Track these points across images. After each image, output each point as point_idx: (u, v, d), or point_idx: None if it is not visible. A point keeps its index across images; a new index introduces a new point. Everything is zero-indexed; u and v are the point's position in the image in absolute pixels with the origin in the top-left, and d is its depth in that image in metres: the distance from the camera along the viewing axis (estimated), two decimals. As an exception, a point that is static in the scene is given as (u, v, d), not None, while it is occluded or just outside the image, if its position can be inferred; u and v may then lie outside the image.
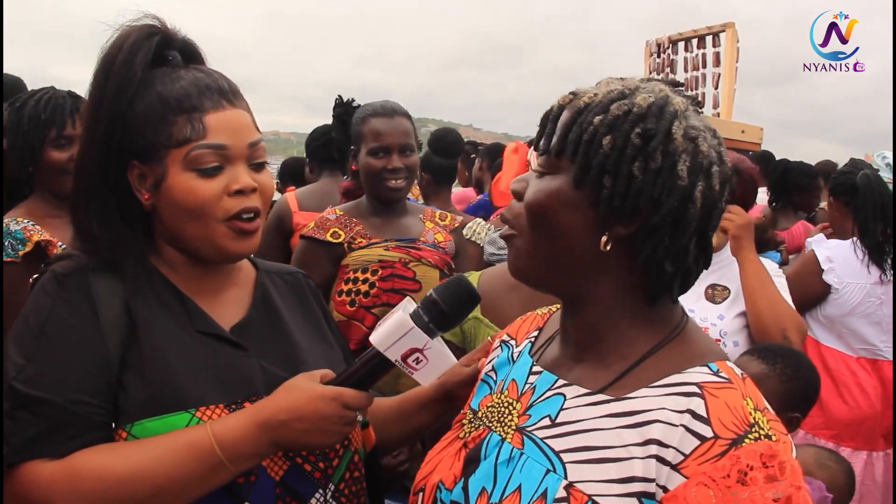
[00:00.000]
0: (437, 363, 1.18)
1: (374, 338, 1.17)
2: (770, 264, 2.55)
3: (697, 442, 0.89)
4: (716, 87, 5.55)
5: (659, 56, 5.87)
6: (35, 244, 2.23)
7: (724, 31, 5.59)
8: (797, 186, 4.75)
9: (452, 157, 4.42)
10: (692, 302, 2.33)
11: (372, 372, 1.20)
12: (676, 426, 0.91)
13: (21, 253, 2.21)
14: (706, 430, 0.90)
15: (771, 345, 2.20)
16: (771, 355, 2.07)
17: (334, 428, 1.17)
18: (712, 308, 2.46)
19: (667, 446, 0.91)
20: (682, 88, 1.12)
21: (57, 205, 2.36)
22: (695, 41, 5.79)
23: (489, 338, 1.40)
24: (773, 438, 0.90)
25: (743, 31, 5.61)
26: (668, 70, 5.86)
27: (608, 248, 0.99)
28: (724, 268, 2.53)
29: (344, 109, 3.24)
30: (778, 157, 5.25)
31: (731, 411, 0.91)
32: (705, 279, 2.49)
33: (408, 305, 1.19)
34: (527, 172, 1.08)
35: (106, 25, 1.25)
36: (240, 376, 1.25)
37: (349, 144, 2.70)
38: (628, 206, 0.96)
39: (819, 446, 2.65)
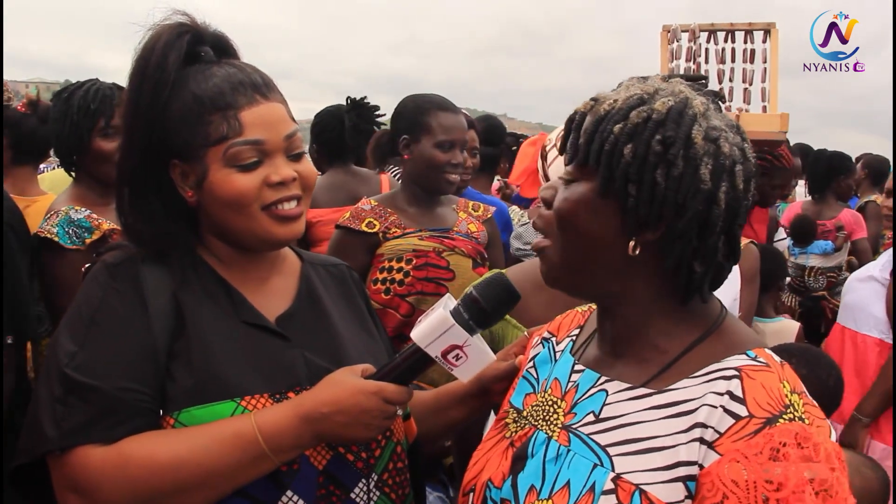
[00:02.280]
0: (476, 360, 1.19)
1: (414, 334, 1.18)
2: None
3: (733, 420, 0.91)
4: (750, 83, 5.51)
5: (694, 42, 5.78)
6: (103, 233, 2.27)
7: (767, 29, 5.53)
8: (837, 173, 4.71)
9: (496, 145, 4.41)
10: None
11: (412, 367, 1.21)
12: (717, 407, 0.93)
13: (88, 241, 2.25)
14: (741, 410, 0.91)
15: (786, 344, 2.18)
16: (786, 355, 2.04)
17: (375, 422, 1.19)
18: None
19: (707, 427, 0.93)
20: (705, 82, 1.11)
21: (101, 192, 2.41)
22: (740, 35, 5.71)
23: (525, 333, 1.41)
24: (807, 421, 0.91)
25: (778, 19, 5.56)
26: (699, 60, 5.77)
27: (636, 252, 1.00)
28: None
29: (357, 112, 3.26)
30: (814, 148, 5.22)
31: (766, 392, 0.93)
32: None
33: (448, 302, 1.20)
34: (555, 179, 1.10)
35: (139, 24, 1.26)
36: (283, 366, 1.26)
37: (364, 141, 2.71)
38: (653, 212, 0.98)
39: (855, 451, 2.61)
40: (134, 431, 1.16)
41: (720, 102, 1.08)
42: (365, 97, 3.50)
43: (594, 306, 1.22)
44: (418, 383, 1.65)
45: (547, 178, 1.96)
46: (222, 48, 1.34)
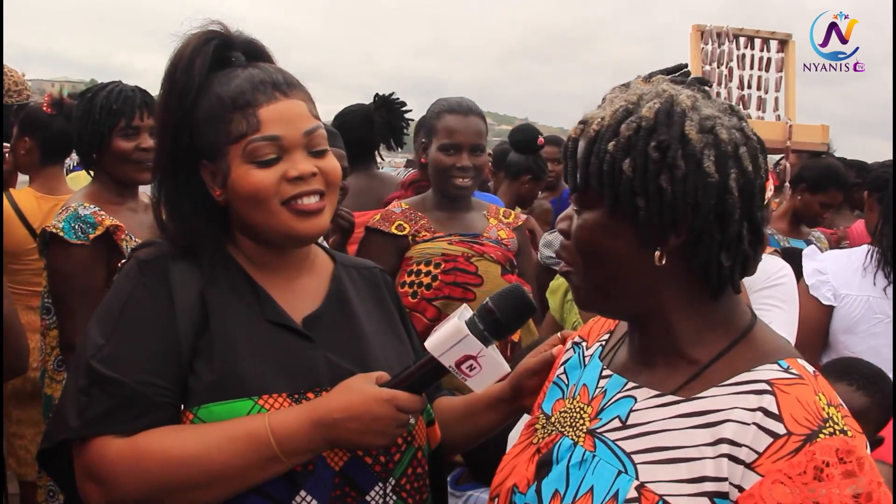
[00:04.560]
0: (490, 371, 1.19)
1: (429, 343, 1.18)
2: (769, 265, 2.23)
3: (770, 439, 0.89)
4: (765, 92, 5.49)
5: (719, 46, 5.71)
6: (105, 228, 2.34)
7: (786, 40, 5.50)
8: (850, 183, 4.52)
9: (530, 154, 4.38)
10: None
11: (426, 376, 1.21)
12: (748, 424, 0.91)
13: (91, 236, 2.32)
14: (779, 427, 0.89)
15: (843, 359, 2.12)
16: (843, 375, 1.99)
17: (387, 429, 1.19)
18: None
19: (739, 445, 0.90)
20: (688, 72, 1.10)
21: (117, 191, 2.50)
22: (758, 41, 5.67)
23: (558, 333, 1.40)
24: (849, 434, 0.89)
25: (808, 27, 5.51)
26: (729, 65, 5.71)
27: (663, 262, 0.99)
28: None
29: (387, 108, 3.23)
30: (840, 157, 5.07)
31: (803, 407, 0.90)
32: None
33: (464, 312, 1.20)
34: (569, 209, 1.09)
35: (173, 34, 1.30)
36: (304, 367, 1.27)
37: (396, 139, 2.70)
38: (667, 219, 0.96)
39: (888, 464, 2.52)
40: (152, 425, 1.18)
41: (706, 88, 1.06)
42: (393, 93, 3.47)
43: None
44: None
45: None
46: (254, 53, 1.36)
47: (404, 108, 3.42)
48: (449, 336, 1.17)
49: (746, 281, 2.02)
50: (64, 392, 1.24)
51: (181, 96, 1.27)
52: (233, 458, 1.16)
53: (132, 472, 1.15)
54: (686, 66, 1.13)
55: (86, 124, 2.45)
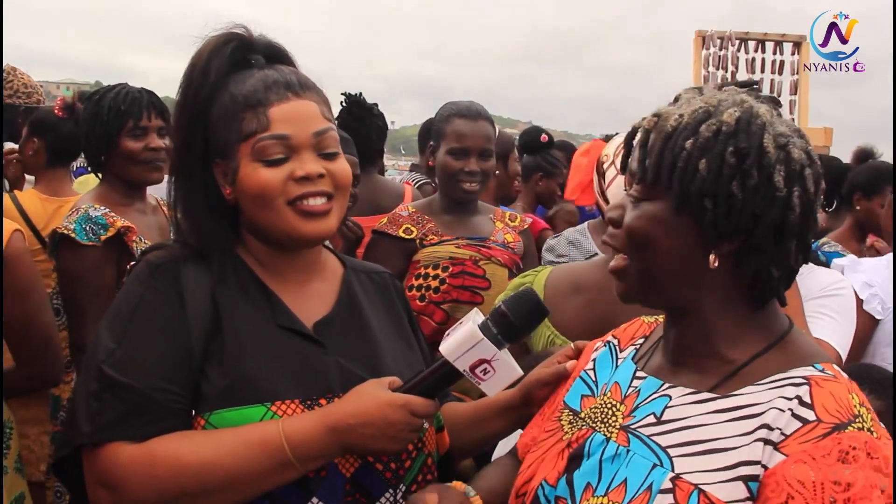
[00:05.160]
0: (504, 375, 1.19)
1: (443, 348, 1.18)
2: (827, 276, 2.23)
3: (800, 424, 0.92)
4: (778, 94, 5.46)
5: (720, 49, 5.71)
6: (117, 230, 2.33)
7: (800, 42, 5.48)
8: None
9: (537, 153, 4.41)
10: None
11: (440, 381, 1.21)
12: (785, 411, 0.94)
13: (103, 238, 2.31)
14: (809, 414, 0.92)
15: (857, 365, 2.09)
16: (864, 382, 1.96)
17: (401, 435, 1.19)
18: None
19: (773, 429, 0.93)
20: (758, 88, 1.11)
21: (126, 192, 2.49)
22: (770, 45, 5.66)
23: (572, 345, 1.40)
24: (876, 435, 0.91)
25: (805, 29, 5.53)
26: (732, 69, 5.70)
27: (717, 265, 1.01)
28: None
29: (370, 111, 3.22)
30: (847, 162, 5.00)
31: (835, 401, 0.93)
32: None
33: (476, 317, 1.20)
34: (622, 198, 1.10)
35: (195, 37, 1.31)
36: (316, 373, 1.26)
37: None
38: (731, 224, 0.99)
39: None
40: (165, 431, 1.17)
41: (778, 109, 1.07)
42: (360, 93, 3.44)
43: (661, 318, 1.22)
44: (455, 393, 1.65)
45: (604, 195, 1.93)
46: (275, 56, 1.35)
47: (374, 113, 3.41)
48: (463, 340, 1.16)
49: (802, 289, 1.96)
50: (74, 396, 1.23)
51: (197, 95, 1.27)
52: (246, 465, 1.15)
53: (145, 479, 1.14)
54: (756, 83, 1.15)
55: (94, 126, 2.45)
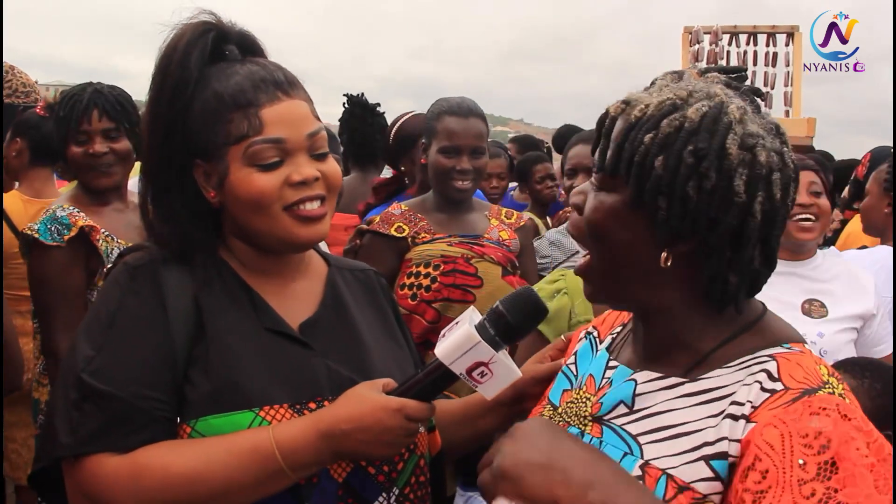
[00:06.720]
0: (501, 377, 1.14)
1: (438, 351, 1.13)
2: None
3: (768, 395, 0.90)
4: (772, 87, 5.46)
5: (711, 44, 5.71)
6: (79, 229, 2.30)
7: (790, 32, 5.47)
8: (844, 183, 4.45)
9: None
10: (789, 315, 2.18)
11: (435, 384, 1.17)
12: (752, 384, 0.92)
13: (66, 238, 2.28)
14: (777, 385, 0.91)
15: (859, 358, 2.08)
16: (859, 370, 1.95)
17: (396, 440, 1.15)
18: (811, 323, 2.27)
19: (742, 403, 0.92)
20: (744, 76, 1.07)
21: (94, 196, 2.45)
22: (762, 38, 5.65)
23: (562, 336, 1.37)
24: (847, 401, 0.90)
25: (805, 26, 5.53)
26: (721, 63, 5.70)
27: (668, 264, 0.98)
28: (822, 282, 2.35)
29: (371, 111, 3.21)
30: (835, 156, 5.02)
31: (803, 370, 0.92)
32: (801, 293, 2.32)
33: (473, 316, 1.15)
34: (585, 184, 1.08)
35: (163, 25, 1.24)
36: (305, 376, 1.23)
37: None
38: (685, 226, 0.95)
39: None
40: (149, 440, 1.13)
41: (759, 100, 1.03)
42: (362, 93, 3.50)
43: None
44: (445, 392, 1.61)
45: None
46: (248, 47, 1.31)
47: (376, 113, 3.44)
48: (460, 343, 1.11)
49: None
50: (52, 406, 1.18)
51: (175, 91, 1.21)
52: (236, 474, 1.11)
53: (131, 491, 1.10)
54: (744, 70, 1.11)
55: (53, 131, 2.43)
